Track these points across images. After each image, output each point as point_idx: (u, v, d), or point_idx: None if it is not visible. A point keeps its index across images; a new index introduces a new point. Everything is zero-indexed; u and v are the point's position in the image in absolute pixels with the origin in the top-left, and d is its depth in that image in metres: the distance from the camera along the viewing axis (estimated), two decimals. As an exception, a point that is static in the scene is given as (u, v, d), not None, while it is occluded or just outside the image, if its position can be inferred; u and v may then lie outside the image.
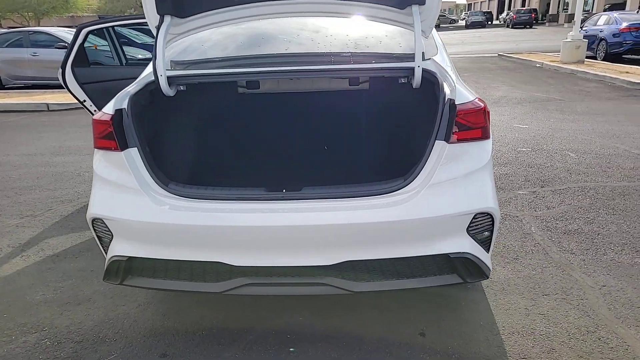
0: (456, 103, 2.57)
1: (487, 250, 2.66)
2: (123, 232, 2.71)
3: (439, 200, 2.50)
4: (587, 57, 16.03)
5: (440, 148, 2.57)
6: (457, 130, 2.55)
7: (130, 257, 2.71)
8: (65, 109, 11.47)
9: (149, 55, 12.36)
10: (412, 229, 2.50)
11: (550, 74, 14.05)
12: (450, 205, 2.49)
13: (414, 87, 2.94)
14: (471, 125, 2.56)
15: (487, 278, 2.65)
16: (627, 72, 12.50)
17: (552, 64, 15.34)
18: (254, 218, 2.54)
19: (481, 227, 2.59)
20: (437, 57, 3.09)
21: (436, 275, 2.59)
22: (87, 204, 2.87)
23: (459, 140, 2.56)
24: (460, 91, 2.66)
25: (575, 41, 15.51)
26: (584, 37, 16.13)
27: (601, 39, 16.74)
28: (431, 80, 2.88)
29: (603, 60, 16.33)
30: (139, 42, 13.58)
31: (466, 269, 2.57)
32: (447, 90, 2.69)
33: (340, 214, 2.50)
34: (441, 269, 2.60)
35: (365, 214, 2.50)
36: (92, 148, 2.94)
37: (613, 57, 16.18)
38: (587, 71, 13.17)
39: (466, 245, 2.56)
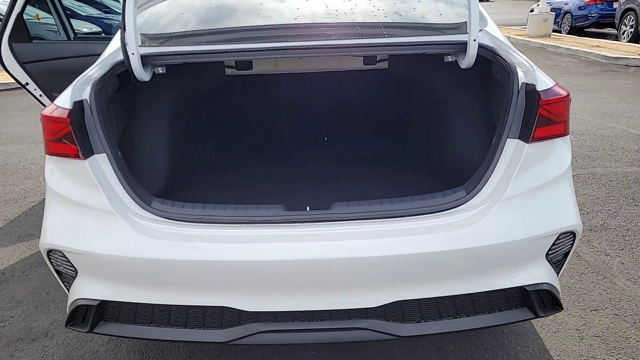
0: (538, 89, 2.00)
1: (558, 273, 2.15)
2: (91, 269, 2.04)
3: (516, 219, 1.96)
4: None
5: (514, 149, 2.01)
6: (539, 126, 1.99)
7: (102, 301, 2.04)
8: (3, 90, 10.21)
9: (96, 28, 11.17)
10: (482, 258, 1.95)
11: (520, 49, 13.76)
12: (532, 226, 1.95)
13: (463, 66, 2.34)
14: (555, 118, 2.01)
15: (562, 310, 2.14)
16: (597, 46, 12.36)
17: (519, 37, 15.09)
18: (272, 249, 1.93)
19: (561, 248, 2.08)
20: (488, 29, 2.49)
21: (503, 311, 2.07)
22: (36, 205, 2.14)
23: (540, 139, 2.00)
24: (538, 74, 2.10)
25: (542, 14, 15.27)
26: (550, 10, 15.96)
27: (566, 12, 16.59)
28: (487, 59, 2.30)
29: (568, 33, 16.24)
30: (83, 14, 12.27)
31: (541, 301, 2.06)
32: (520, 72, 2.11)
33: (386, 243, 1.92)
34: (510, 303, 2.08)
35: (421, 240, 1.93)
36: (38, 135, 2.20)
37: (578, 30, 16.11)
38: (558, 45, 12.97)
39: (545, 273, 2.04)
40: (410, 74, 3.20)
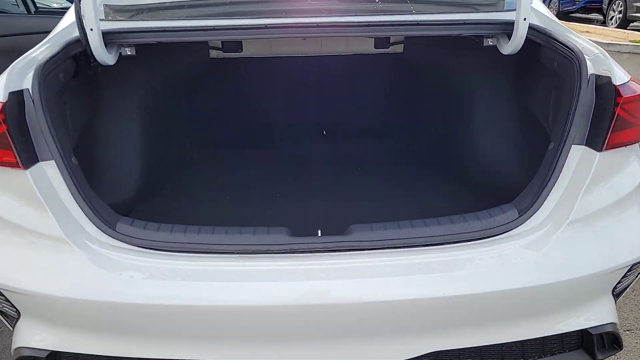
0: (616, 84, 1.58)
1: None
2: (38, 312, 1.56)
3: (585, 249, 1.55)
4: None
5: (580, 158, 1.60)
6: (616, 130, 1.57)
7: (53, 352, 1.57)
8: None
9: (67, 4, 10.25)
10: (540, 298, 1.55)
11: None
12: (605, 256, 1.56)
13: (506, 52, 1.92)
14: (633, 121, 1.60)
15: (622, 349, 1.76)
16: (587, 32, 12.09)
17: (507, 21, 14.73)
18: (275, 290, 1.48)
19: (629, 279, 1.69)
20: (535, 5, 2.05)
21: (555, 355, 1.68)
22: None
23: (614, 146, 1.60)
24: (612, 65, 1.68)
25: (530, -2, 14.93)
26: (537, -7, 15.61)
27: (553, -4, 16.33)
28: (537, 43, 1.87)
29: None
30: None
31: (601, 342, 1.68)
32: (588, 62, 1.69)
33: (424, 280, 1.50)
34: (564, 347, 1.69)
35: (466, 277, 1.51)
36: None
37: (564, 15, 15.84)
38: (547, 30, 12.65)
39: (610, 311, 1.66)
40: (430, 60, 2.75)
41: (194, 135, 3.05)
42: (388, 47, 2.72)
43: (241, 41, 2.59)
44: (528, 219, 1.61)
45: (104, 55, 1.81)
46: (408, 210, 2.22)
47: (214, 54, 2.65)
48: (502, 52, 1.96)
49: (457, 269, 1.52)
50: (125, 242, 1.57)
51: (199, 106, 3.07)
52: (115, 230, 1.59)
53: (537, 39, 1.86)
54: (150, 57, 2.33)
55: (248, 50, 2.68)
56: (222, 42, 2.60)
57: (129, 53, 1.93)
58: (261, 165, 2.88)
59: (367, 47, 2.72)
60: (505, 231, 1.60)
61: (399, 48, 2.75)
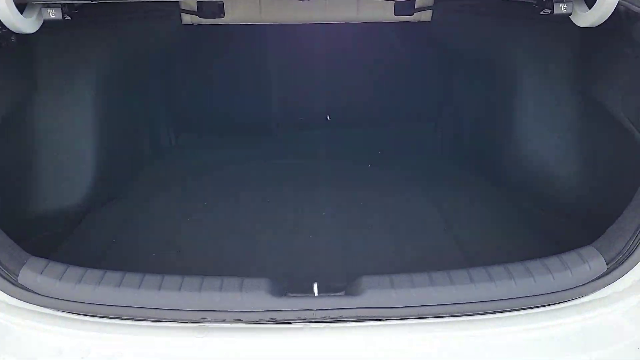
0: None
1: None
2: None
3: None
4: None
5: None
6: None
7: None
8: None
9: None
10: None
11: None
12: None
13: (585, 24, 1.39)
14: None
15: None
16: None
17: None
18: None
19: None
20: None
21: None
22: None
23: None
24: None
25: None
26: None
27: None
28: (631, 12, 1.33)
29: None
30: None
31: None
32: None
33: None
34: None
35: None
36: None
37: None
38: None
39: None
40: (467, 32, 2.16)
41: (169, 119, 2.52)
42: (412, 14, 2.14)
43: (222, 1, 2.01)
44: (623, 274, 1.10)
45: (16, 20, 1.27)
46: (434, 235, 1.71)
47: (187, 19, 2.08)
48: (577, 23, 1.41)
49: (511, 347, 1.02)
50: (33, 303, 1.07)
51: (174, 85, 2.53)
52: (16, 281, 1.09)
53: (634, 6, 1.31)
54: (99, 24, 1.79)
55: (232, 15, 2.10)
56: (197, 2, 2.02)
57: (53, 17, 1.38)
58: (250, 158, 2.36)
59: (385, 13, 2.13)
60: (589, 292, 1.09)
61: (425, 15, 2.16)
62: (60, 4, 1.34)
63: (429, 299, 1.07)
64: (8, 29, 1.31)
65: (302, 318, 1.05)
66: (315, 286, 1.13)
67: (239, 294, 1.08)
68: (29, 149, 1.73)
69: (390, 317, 1.06)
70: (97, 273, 1.12)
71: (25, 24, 1.32)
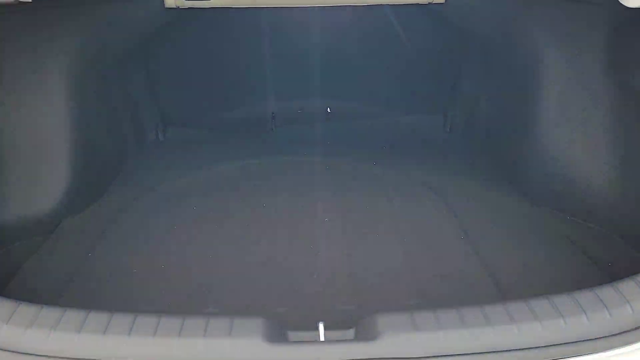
0: None
1: None
2: None
3: None
4: None
5: None
6: None
7: None
8: None
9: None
10: None
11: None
12: None
13: (634, 4, 1.18)
14: None
15: None
16: None
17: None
18: None
19: None
20: None
21: None
22: None
23: None
24: None
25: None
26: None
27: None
28: None
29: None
30: None
31: None
32: None
33: None
34: None
35: None
36: None
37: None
38: None
39: None
40: (484, 14, 1.94)
41: (155, 113, 2.30)
42: None
43: None
44: None
45: None
46: (451, 245, 1.51)
47: (171, 1, 1.85)
48: (625, 3, 1.20)
49: None
50: None
51: (158, 75, 2.30)
52: None
53: None
54: (68, 6, 1.56)
55: None
56: None
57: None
58: (243, 156, 2.14)
59: None
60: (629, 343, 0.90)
61: None
62: None
63: (461, 345, 0.87)
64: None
65: None
66: (321, 328, 0.93)
67: (228, 339, 0.89)
68: None
69: None
70: (54, 313, 0.92)
71: None
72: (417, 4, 1.92)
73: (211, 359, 0.86)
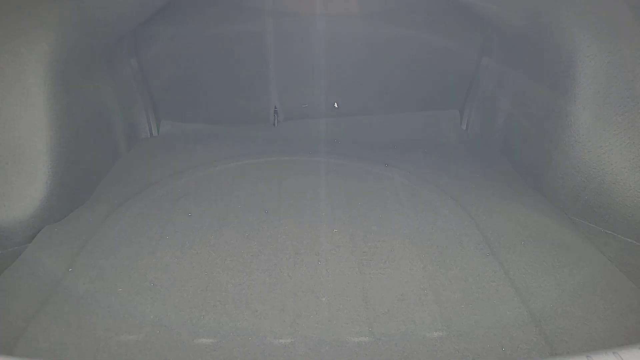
0: None
1: None
2: None
3: None
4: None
5: None
6: None
7: None
8: None
9: None
10: None
11: None
12: None
13: None
14: None
15: None
16: None
17: None
18: None
19: None
20: None
21: None
22: None
23: None
24: None
25: None
26: None
27: None
28: None
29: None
30: None
31: None
32: None
33: None
34: None
35: None
36: None
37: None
38: None
39: None
40: (519, 9, 1.75)
41: (148, 106, 2.12)
42: None
43: None
44: None
45: None
46: (476, 263, 1.34)
47: None
48: None
49: None
50: None
51: (152, 64, 2.12)
52: None
53: None
54: None
55: None
56: None
57: None
58: (243, 154, 1.97)
59: None
60: None
61: None
62: None
63: None
64: None
65: None
66: None
67: None
68: None
69: None
70: None
71: None
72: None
73: None
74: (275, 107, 2.27)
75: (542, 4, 1.64)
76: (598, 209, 1.51)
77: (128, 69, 2.04)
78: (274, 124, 2.28)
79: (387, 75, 2.25)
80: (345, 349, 1.08)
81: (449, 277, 1.30)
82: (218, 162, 1.92)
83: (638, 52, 1.43)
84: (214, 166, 1.89)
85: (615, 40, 1.48)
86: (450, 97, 2.27)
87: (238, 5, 2.07)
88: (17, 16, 1.45)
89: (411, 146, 2.09)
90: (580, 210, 1.55)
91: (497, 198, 1.66)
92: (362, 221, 1.56)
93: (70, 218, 1.57)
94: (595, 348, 1.03)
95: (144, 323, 1.17)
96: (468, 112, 2.21)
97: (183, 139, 2.16)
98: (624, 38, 1.46)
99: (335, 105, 2.24)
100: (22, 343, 1.11)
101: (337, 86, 2.26)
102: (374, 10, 2.12)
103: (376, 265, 1.36)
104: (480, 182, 1.79)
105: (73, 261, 1.38)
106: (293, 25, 2.14)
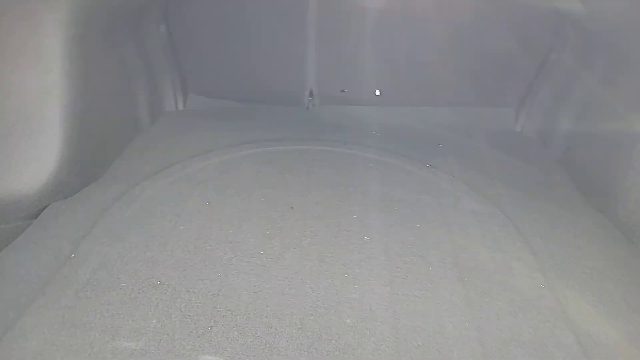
0: None
1: None
2: None
3: None
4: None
5: None
6: None
7: None
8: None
9: None
10: None
11: None
12: None
13: None
14: None
15: None
16: None
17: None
18: None
19: None
20: None
21: None
22: None
23: None
24: None
25: None
26: None
27: None
28: None
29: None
30: None
31: None
32: None
33: None
34: None
35: None
36: None
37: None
38: None
39: None
40: (625, 26, 1.52)
41: (175, 77, 1.98)
42: None
43: None
44: None
45: None
46: (524, 294, 1.16)
47: None
48: None
49: None
50: None
51: (181, 33, 1.97)
52: None
53: None
54: None
55: None
56: None
57: None
58: (272, 139, 1.82)
59: None
60: None
61: None
62: None
63: None
64: None
65: None
66: None
67: None
68: None
69: None
70: None
71: None
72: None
73: None
74: (311, 90, 2.10)
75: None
76: None
77: (156, 36, 1.89)
78: (307, 108, 2.11)
79: (438, 64, 2.04)
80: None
81: (495, 311, 1.12)
82: (244, 146, 1.76)
83: None
84: (239, 150, 1.74)
85: None
86: (505, 94, 2.05)
87: None
88: None
89: (458, 146, 1.89)
90: None
91: (555, 217, 1.46)
92: (398, 230, 1.38)
93: (81, 195, 1.45)
94: None
95: (144, 329, 1.04)
96: (525, 113, 1.99)
97: (210, 115, 2.01)
98: None
99: (377, 92, 2.05)
100: (9, 338, 1.00)
101: (381, 72, 2.07)
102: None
103: (410, 286, 1.19)
104: (534, 195, 1.58)
105: (77, 245, 1.26)
106: (339, 2, 1.95)
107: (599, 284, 1.21)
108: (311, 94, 2.10)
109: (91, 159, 1.54)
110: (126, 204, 1.42)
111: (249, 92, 2.14)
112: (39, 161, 1.37)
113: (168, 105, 2.00)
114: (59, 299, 1.10)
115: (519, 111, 2.02)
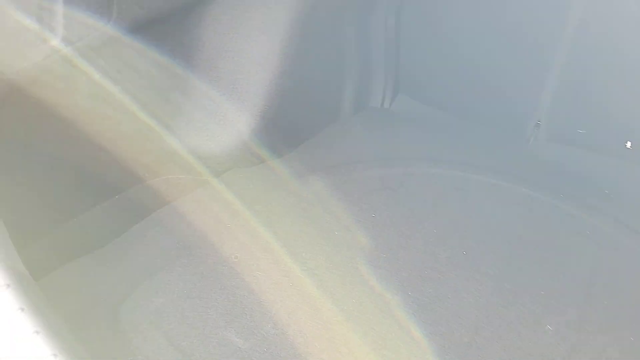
0: None
1: None
2: None
3: None
4: None
5: None
6: None
7: None
8: None
9: None
10: None
11: None
12: None
13: None
14: None
15: None
16: None
17: None
18: None
19: None
20: None
21: None
22: None
23: None
24: None
25: None
26: None
27: None
28: None
29: None
30: None
31: None
32: None
33: None
34: None
35: None
36: None
37: None
38: None
39: None
40: None
41: (390, 72, 1.86)
42: None
43: None
44: None
45: None
46: None
47: None
48: None
49: None
50: None
51: (418, 27, 1.83)
52: None
53: None
54: None
55: None
56: None
57: None
58: (467, 164, 1.56)
59: None
60: None
61: None
62: None
63: None
64: None
65: None
66: None
67: None
68: None
69: None
70: None
71: None
72: None
73: None
74: (539, 120, 1.74)
75: None
76: None
77: (382, 28, 1.78)
78: (528, 140, 1.76)
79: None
80: None
81: None
82: (431, 163, 1.55)
83: None
84: (426, 167, 1.53)
85: None
86: None
87: None
88: None
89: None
90: None
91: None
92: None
93: (257, 169, 1.43)
94: None
95: (259, 331, 0.95)
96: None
97: (412, 121, 1.84)
98: None
99: (629, 144, 1.58)
100: (138, 295, 1.00)
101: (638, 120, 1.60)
102: None
103: None
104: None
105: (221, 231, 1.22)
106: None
107: None
108: (537, 125, 1.75)
109: (283, 135, 1.52)
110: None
111: (465, 105, 1.89)
112: (234, 126, 1.39)
113: (374, 101, 1.88)
114: (197, 267, 1.08)
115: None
